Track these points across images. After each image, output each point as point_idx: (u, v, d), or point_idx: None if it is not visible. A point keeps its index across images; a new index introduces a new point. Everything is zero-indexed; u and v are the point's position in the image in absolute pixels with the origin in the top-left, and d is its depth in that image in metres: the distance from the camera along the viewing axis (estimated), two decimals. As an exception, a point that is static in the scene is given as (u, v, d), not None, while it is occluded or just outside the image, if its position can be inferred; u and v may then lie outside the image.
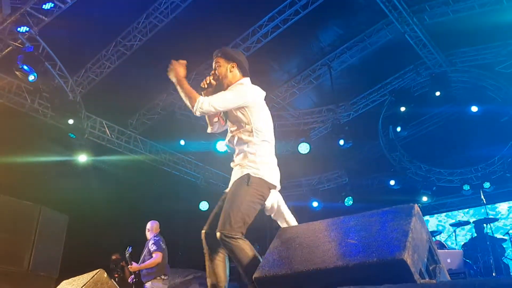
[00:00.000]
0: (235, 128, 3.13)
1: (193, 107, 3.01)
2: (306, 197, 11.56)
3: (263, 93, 3.25)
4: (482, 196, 7.47)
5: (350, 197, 10.88)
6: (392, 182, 10.69)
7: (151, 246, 5.95)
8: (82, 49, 8.40)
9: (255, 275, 2.58)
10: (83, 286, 3.21)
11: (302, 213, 11.11)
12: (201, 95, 3.09)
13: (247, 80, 3.25)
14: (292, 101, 10.73)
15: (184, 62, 3.16)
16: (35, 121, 8.42)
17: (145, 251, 6.01)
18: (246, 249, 2.83)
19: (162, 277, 5.83)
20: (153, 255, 5.83)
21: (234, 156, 3.17)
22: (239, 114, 3.08)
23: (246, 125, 3.08)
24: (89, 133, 9.10)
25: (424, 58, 9.65)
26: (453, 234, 8.44)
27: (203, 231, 3.08)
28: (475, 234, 7.88)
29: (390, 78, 10.31)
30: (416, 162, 11.05)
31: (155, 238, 6.05)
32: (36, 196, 7.06)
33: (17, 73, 6.73)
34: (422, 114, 10.61)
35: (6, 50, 7.05)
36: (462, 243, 8.41)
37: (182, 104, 10.06)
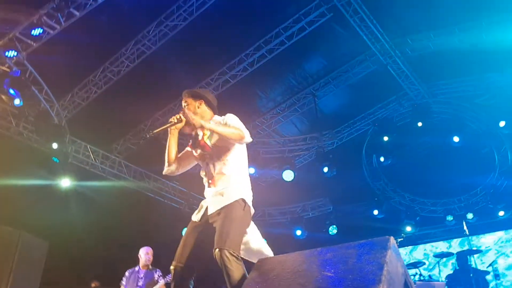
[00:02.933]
0: (220, 158, 3.16)
1: (242, 138, 3.06)
2: (290, 225, 11.54)
3: None
4: (465, 227, 7.54)
5: (334, 226, 10.88)
6: (375, 212, 10.73)
7: (158, 277, 6.01)
8: (69, 74, 8.43)
9: (233, 306, 2.57)
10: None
11: (286, 242, 11.12)
12: (168, 130, 3.21)
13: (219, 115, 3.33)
14: (277, 128, 10.85)
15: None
16: (19, 144, 8.36)
17: (144, 280, 5.93)
18: (244, 272, 2.83)
19: None
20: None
21: (215, 182, 3.15)
22: (227, 144, 3.16)
23: (229, 157, 3.17)
24: (73, 157, 9.03)
25: (406, 89, 9.89)
26: (437, 265, 8.46)
27: (172, 267, 3.04)
28: (458, 266, 7.90)
29: (374, 108, 10.51)
30: (400, 192, 11.15)
31: (159, 270, 6.10)
32: (16, 221, 6.95)
33: (2, 96, 6.73)
34: (405, 144, 10.75)
35: (-8, 74, 7.06)
36: (446, 274, 8.42)
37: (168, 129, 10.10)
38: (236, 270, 2.79)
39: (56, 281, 7.64)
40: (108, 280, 7.97)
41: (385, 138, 9.36)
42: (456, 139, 9.46)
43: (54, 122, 7.96)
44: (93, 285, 8.09)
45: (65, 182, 8.73)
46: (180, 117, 3.17)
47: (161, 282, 5.98)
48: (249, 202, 3.07)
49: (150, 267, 6.15)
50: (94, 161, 9.55)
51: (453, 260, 8.81)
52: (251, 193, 3.15)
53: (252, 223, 3.15)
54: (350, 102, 10.54)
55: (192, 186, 11.21)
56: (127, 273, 6.14)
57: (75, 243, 8.58)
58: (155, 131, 3.23)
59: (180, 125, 3.19)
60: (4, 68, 7.00)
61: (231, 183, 3.09)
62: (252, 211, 3.12)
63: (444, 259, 9.21)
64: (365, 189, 11.02)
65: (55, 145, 7.91)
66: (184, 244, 3.07)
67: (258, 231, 3.20)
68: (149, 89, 9.02)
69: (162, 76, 8.83)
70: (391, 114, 10.20)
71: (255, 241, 3.12)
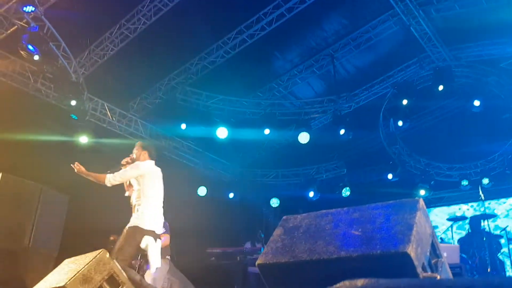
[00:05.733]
0: (133, 189, 4.57)
1: (104, 181, 4.47)
2: (303, 187, 11.62)
3: (157, 168, 4.71)
4: (481, 192, 7.51)
5: (347, 188, 10.92)
6: (390, 176, 10.72)
7: (167, 229, 6.04)
8: (86, 31, 8.35)
9: (258, 261, 2.62)
10: (86, 265, 3.24)
11: (298, 203, 11.25)
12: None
13: (148, 162, 4.68)
14: (294, 90, 10.73)
15: (79, 166, 4.57)
16: (38, 101, 8.41)
17: None
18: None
19: (167, 257, 5.95)
20: (162, 237, 5.95)
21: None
22: (134, 181, 4.56)
23: (138, 189, 4.51)
24: (90, 115, 9.09)
25: (429, 52, 9.63)
26: (450, 228, 8.51)
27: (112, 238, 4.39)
28: (471, 230, 7.94)
29: (393, 70, 10.30)
30: (415, 156, 11.08)
31: (167, 225, 6.15)
32: (37, 175, 7.07)
33: (22, 52, 6.70)
34: (424, 108, 10.62)
35: (11, 29, 7.02)
36: (458, 237, 8.48)
37: (183, 89, 10.07)
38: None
39: (77, 234, 7.85)
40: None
41: (404, 102, 9.20)
42: (476, 103, 9.26)
43: (72, 79, 7.95)
44: (111, 238, 8.29)
45: (83, 139, 8.82)
46: (128, 160, 4.64)
47: (165, 237, 6.01)
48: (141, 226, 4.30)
49: None
50: (111, 119, 9.61)
51: (467, 224, 8.84)
52: (151, 220, 4.39)
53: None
54: (369, 65, 10.33)
55: (207, 146, 11.29)
56: None
57: (93, 198, 8.75)
58: (112, 171, 4.56)
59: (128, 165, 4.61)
60: (22, 23, 6.94)
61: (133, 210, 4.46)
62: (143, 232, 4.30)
63: (458, 223, 9.26)
64: (380, 153, 10.96)
65: (73, 102, 7.94)
66: None
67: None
68: (166, 48, 8.92)
69: (178, 34, 8.71)
70: (411, 77, 9.98)
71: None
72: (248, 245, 9.36)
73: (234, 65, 9.42)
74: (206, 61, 9.53)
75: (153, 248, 4.32)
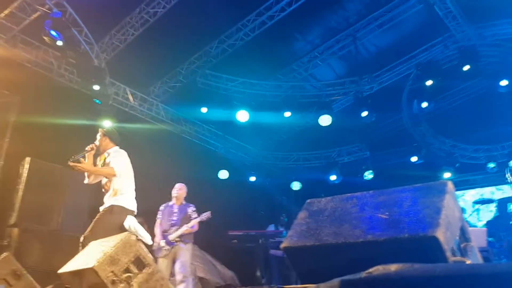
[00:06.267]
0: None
1: (115, 174, 4.62)
2: (324, 170, 11.57)
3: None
4: (508, 175, 7.34)
5: (370, 171, 10.82)
6: (414, 158, 10.57)
7: (192, 212, 6.15)
8: (106, 15, 8.38)
9: (283, 244, 2.62)
10: (112, 247, 3.30)
11: (320, 186, 11.21)
12: (84, 156, 4.71)
13: (116, 147, 4.92)
14: (314, 72, 10.61)
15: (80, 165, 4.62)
16: (62, 86, 8.54)
17: (181, 215, 6.13)
18: None
19: (192, 241, 6.07)
20: (194, 222, 6.07)
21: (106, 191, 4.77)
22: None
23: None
24: (113, 99, 9.19)
25: (453, 31, 9.37)
26: (476, 212, 8.36)
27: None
28: (498, 213, 7.80)
29: (417, 50, 10.06)
30: (440, 137, 10.87)
31: (193, 205, 6.25)
32: (64, 160, 7.22)
33: (45, 38, 6.78)
34: (449, 88, 10.37)
35: (34, 16, 7.08)
36: (485, 221, 8.34)
37: (204, 72, 10.07)
38: None
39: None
40: (147, 215, 8.33)
41: (429, 82, 8.98)
42: (503, 82, 8.99)
43: (94, 64, 8.02)
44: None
45: (107, 123, 8.92)
46: (93, 146, 4.79)
47: (195, 218, 6.09)
48: (124, 206, 4.59)
49: (184, 202, 6.31)
50: (133, 104, 9.70)
51: (493, 207, 8.68)
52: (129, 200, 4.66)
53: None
54: (392, 45, 10.11)
55: (227, 130, 11.32)
56: (162, 207, 6.38)
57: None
58: (76, 157, 4.67)
59: (93, 152, 4.80)
60: (44, 9, 7.00)
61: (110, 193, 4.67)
62: (127, 211, 4.59)
63: (485, 206, 9.09)
64: (403, 135, 10.80)
65: (96, 87, 8.03)
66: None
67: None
68: (186, 31, 8.89)
69: (198, 17, 8.66)
70: (436, 57, 9.73)
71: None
72: (271, 227, 9.42)
73: (254, 47, 9.34)
74: (225, 44, 9.48)
75: (138, 226, 4.60)
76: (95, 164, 4.87)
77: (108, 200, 4.62)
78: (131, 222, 4.57)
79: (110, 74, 8.76)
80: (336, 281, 1.11)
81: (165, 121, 10.34)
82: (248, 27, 9.09)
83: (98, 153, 4.91)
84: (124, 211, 4.57)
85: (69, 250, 4.69)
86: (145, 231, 4.68)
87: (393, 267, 1.21)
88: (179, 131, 10.71)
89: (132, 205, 4.68)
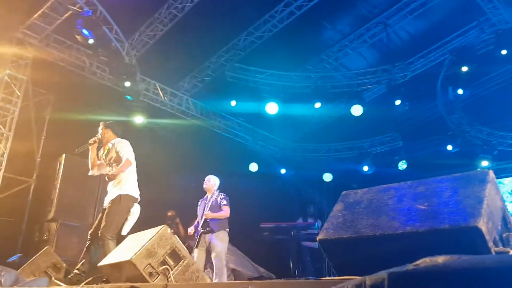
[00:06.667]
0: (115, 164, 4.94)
1: (131, 163, 4.85)
2: (357, 161, 11.40)
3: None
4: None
5: (404, 161, 10.58)
6: (449, 147, 10.26)
7: (221, 200, 6.16)
8: (135, 12, 8.48)
9: (319, 237, 2.58)
10: (149, 240, 3.35)
11: (352, 177, 11.07)
12: (88, 148, 5.01)
13: (119, 138, 5.07)
14: (345, 61, 10.43)
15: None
16: (94, 83, 8.73)
17: (209, 204, 6.18)
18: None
19: (226, 229, 6.08)
20: (224, 208, 6.09)
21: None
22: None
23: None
24: (143, 95, 9.33)
25: (489, 14, 8.98)
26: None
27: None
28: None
29: (451, 36, 9.73)
30: (476, 125, 10.51)
31: (223, 193, 6.26)
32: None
33: (77, 37, 6.92)
34: (485, 74, 9.98)
35: (66, 15, 7.24)
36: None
37: (232, 66, 10.06)
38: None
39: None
40: (179, 208, 8.45)
41: (464, 69, 8.68)
42: (544, 67, 8.60)
43: (125, 61, 8.15)
44: (169, 213, 8.59)
45: (139, 119, 9.09)
46: (95, 140, 4.99)
47: (225, 205, 6.10)
48: (130, 194, 4.76)
49: (216, 192, 6.33)
50: (163, 99, 9.82)
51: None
52: (133, 188, 4.84)
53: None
54: (424, 31, 9.80)
55: (256, 123, 11.31)
56: (199, 201, 6.46)
57: (150, 176, 9.04)
58: (79, 149, 5.03)
59: (95, 145, 5.01)
60: (75, 8, 7.15)
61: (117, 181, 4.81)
62: (134, 199, 4.79)
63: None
64: (438, 123, 10.48)
65: (127, 84, 8.16)
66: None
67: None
68: (213, 25, 8.90)
69: (225, 11, 8.65)
70: (471, 42, 9.38)
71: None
72: (300, 220, 9.39)
73: (282, 38, 9.26)
74: (253, 36, 9.44)
75: (135, 216, 4.82)
76: (98, 156, 5.06)
77: (114, 190, 4.77)
78: (134, 210, 4.78)
79: (140, 70, 8.89)
80: (384, 273, 1.08)
81: (195, 116, 10.43)
82: (276, 18, 9.02)
83: (100, 145, 5.08)
84: (131, 199, 4.76)
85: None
86: (131, 223, 4.81)
87: (440, 259, 1.17)
88: (208, 125, 10.79)
89: (137, 193, 4.86)
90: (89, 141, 4.98)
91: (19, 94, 7.91)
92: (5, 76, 7.76)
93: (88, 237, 4.72)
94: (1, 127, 7.70)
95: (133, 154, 4.98)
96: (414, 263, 1.19)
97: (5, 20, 7.58)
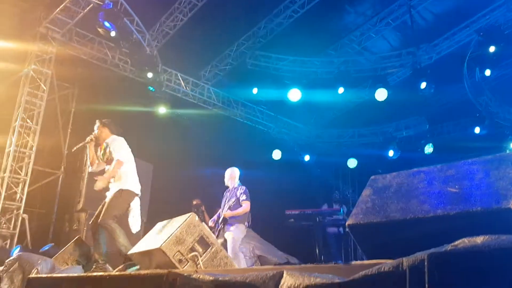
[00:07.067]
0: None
1: (121, 163, 4.82)
2: (382, 146, 11.24)
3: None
4: None
5: (430, 144, 10.37)
6: (477, 129, 10.01)
7: (241, 195, 6.03)
8: (155, 3, 8.51)
9: (348, 222, 2.56)
10: (178, 227, 3.39)
11: (377, 162, 10.94)
12: (85, 146, 5.11)
13: (114, 136, 5.10)
14: (368, 45, 10.24)
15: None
16: (117, 75, 8.83)
17: (231, 198, 6.17)
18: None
19: (246, 224, 6.04)
20: (243, 204, 5.97)
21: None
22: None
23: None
24: (165, 86, 9.39)
25: (518, -10, 8.67)
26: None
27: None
28: None
29: (477, 15, 9.41)
30: (505, 106, 10.21)
31: (243, 187, 6.19)
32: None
33: (99, 30, 6.99)
34: (514, 54, 9.67)
35: (87, 8, 7.32)
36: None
37: (253, 53, 10.01)
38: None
39: (162, 199, 8.32)
40: (204, 199, 8.53)
41: (491, 49, 8.40)
42: None
43: (146, 53, 8.21)
44: (194, 202, 8.67)
45: (162, 110, 9.17)
46: (92, 138, 5.05)
47: (244, 200, 5.95)
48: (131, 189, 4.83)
49: (236, 184, 6.29)
50: (185, 89, 9.86)
51: None
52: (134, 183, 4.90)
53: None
54: (449, 11, 9.50)
55: (279, 110, 11.27)
56: (224, 192, 6.45)
57: (175, 165, 9.17)
58: (77, 148, 5.20)
59: (93, 142, 5.08)
60: (97, 1, 7.21)
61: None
62: (134, 195, 4.86)
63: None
64: (465, 106, 10.22)
65: (150, 75, 8.23)
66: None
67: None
68: (233, 13, 8.86)
69: (243, 1, 8.59)
70: (498, 21, 9.05)
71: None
72: (325, 206, 9.35)
73: (302, 24, 9.15)
74: (274, 23, 9.36)
75: (137, 211, 4.88)
76: (96, 154, 5.13)
77: (115, 185, 4.83)
78: (135, 204, 4.85)
79: (162, 61, 8.94)
80: (422, 254, 1.06)
81: (217, 105, 10.46)
82: (296, 4, 8.91)
83: (98, 143, 5.12)
84: (132, 194, 4.83)
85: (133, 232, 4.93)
86: (137, 218, 4.87)
87: (478, 239, 1.15)
88: (231, 114, 10.81)
89: (137, 188, 4.91)
90: (86, 139, 5.08)
91: (45, 88, 8.07)
92: (30, 71, 7.93)
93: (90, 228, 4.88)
94: (29, 121, 7.89)
95: (129, 149, 5.01)
96: (452, 244, 1.17)
97: (28, 15, 7.73)
